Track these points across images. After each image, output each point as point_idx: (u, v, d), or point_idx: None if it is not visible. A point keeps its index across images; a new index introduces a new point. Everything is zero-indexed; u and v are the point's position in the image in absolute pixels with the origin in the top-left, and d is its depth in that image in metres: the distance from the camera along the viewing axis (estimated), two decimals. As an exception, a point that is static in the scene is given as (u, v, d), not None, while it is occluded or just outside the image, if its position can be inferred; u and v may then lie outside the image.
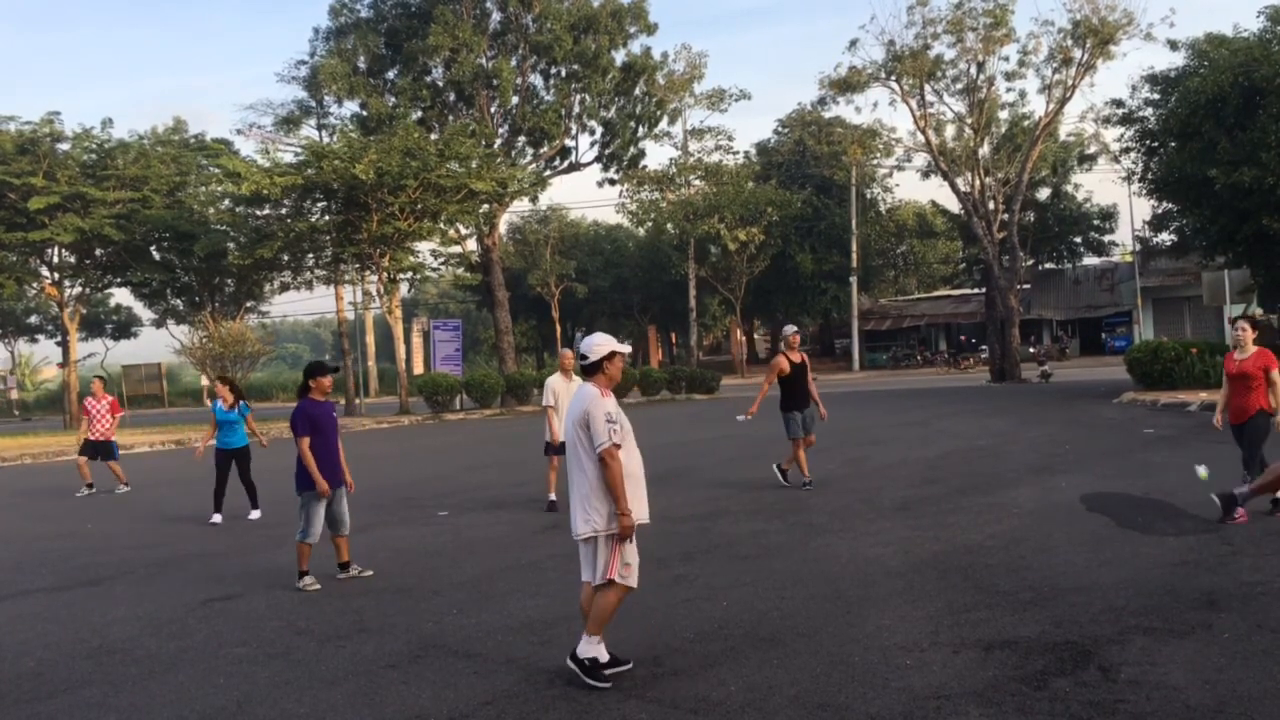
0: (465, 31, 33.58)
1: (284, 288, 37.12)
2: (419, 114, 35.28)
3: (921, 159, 40.86)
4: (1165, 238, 35.78)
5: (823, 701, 4.52)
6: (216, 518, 11.00)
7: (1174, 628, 5.31)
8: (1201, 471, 8.30)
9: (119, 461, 14.64)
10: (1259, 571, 6.32)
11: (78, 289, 35.19)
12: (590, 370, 5.03)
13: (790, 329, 11.52)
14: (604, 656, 4.96)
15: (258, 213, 31.56)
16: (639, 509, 4.90)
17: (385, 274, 31.55)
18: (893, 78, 33.02)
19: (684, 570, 7.26)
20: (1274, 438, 8.15)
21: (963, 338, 53.61)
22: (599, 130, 38.14)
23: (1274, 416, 7.99)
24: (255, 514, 11.10)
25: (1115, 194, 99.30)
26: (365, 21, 35.52)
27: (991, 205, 34.80)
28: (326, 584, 7.50)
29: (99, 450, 14.42)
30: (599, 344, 5.06)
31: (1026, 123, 37.76)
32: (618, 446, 4.80)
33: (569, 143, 37.90)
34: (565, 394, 10.47)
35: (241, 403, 11.37)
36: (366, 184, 27.36)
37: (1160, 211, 30.98)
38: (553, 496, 10.51)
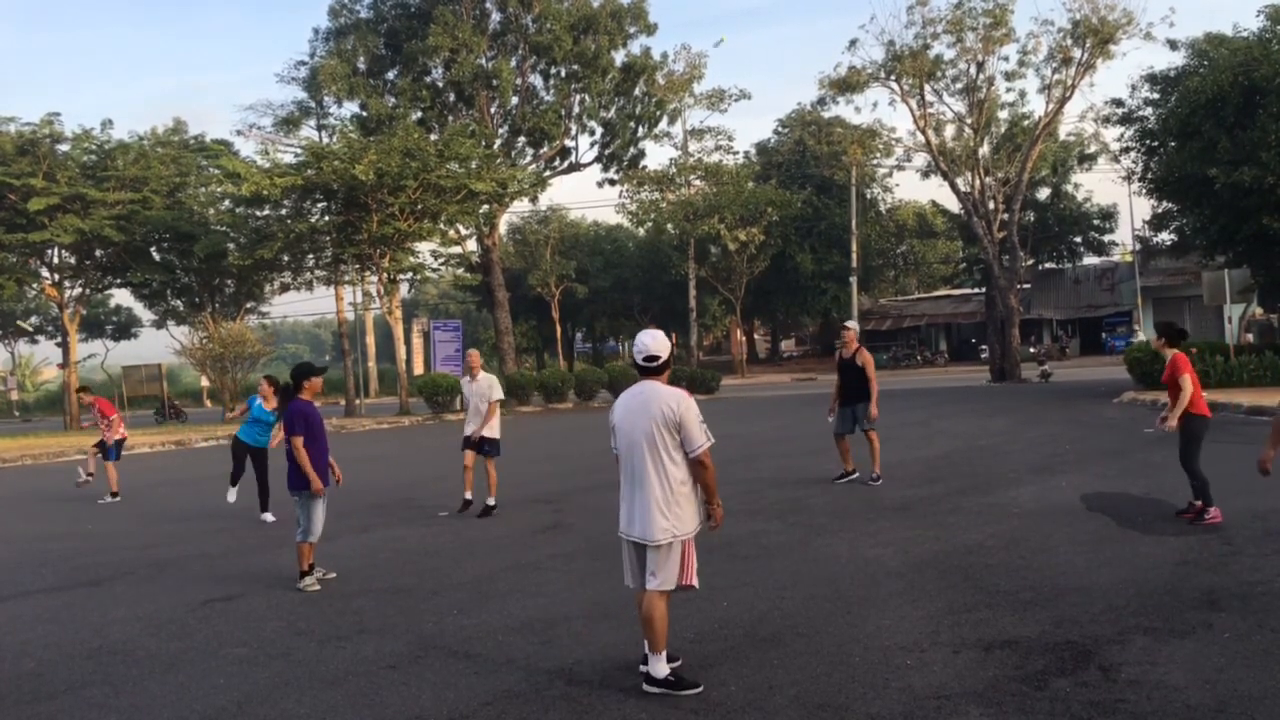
0: (465, 32, 33.60)
1: (284, 288, 37.14)
2: (419, 114, 35.29)
3: (921, 159, 40.87)
4: (1165, 237, 35.73)
5: (823, 701, 4.52)
6: (267, 517, 10.88)
7: (1174, 628, 5.31)
8: None
9: (115, 464, 14.16)
10: (1259, 571, 6.32)
11: (78, 290, 35.20)
12: (659, 370, 4.85)
13: (847, 324, 11.62)
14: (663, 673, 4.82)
15: (258, 213, 31.57)
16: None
17: (385, 274, 31.56)
18: (892, 78, 33.01)
19: (684, 570, 7.25)
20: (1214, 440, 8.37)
21: (972, 340, 53.56)
22: (599, 130, 38.19)
23: (1208, 419, 8.20)
24: (269, 517, 10.84)
25: (1115, 194, 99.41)
26: (365, 22, 35.53)
27: (991, 205, 34.78)
28: (326, 584, 7.50)
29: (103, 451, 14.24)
30: (665, 342, 4.89)
31: (1026, 123, 37.73)
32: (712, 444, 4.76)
33: (569, 143, 37.92)
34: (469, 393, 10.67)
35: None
36: (366, 184, 27.36)
37: (1160, 211, 30.94)
38: (468, 495, 10.51)
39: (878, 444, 11.15)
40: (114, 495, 13.86)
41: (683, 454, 4.71)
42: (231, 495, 11.69)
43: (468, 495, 10.52)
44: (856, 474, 11.02)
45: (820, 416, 12.07)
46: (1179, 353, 8.27)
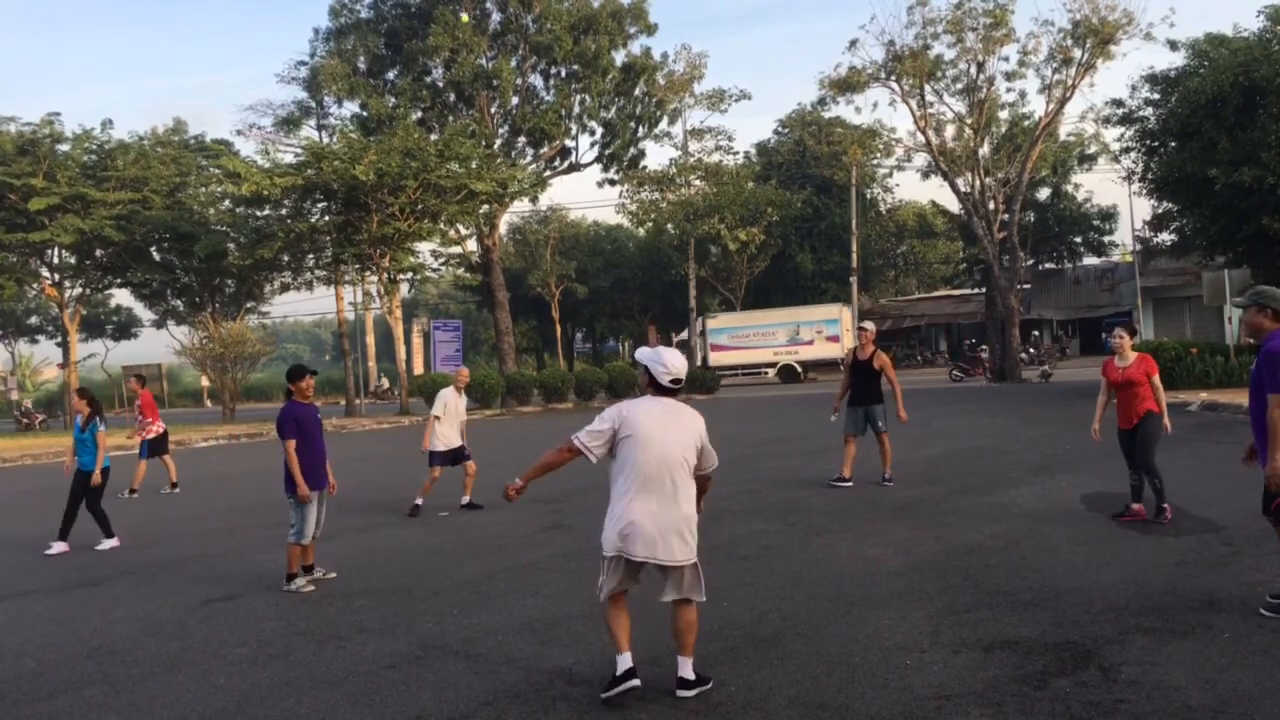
0: (465, 32, 33.60)
1: (284, 288, 37.15)
2: (419, 114, 35.32)
3: (921, 159, 40.86)
4: (1165, 238, 35.78)
5: (823, 702, 4.52)
6: (57, 547, 9.63)
7: (1174, 628, 5.31)
8: None
9: (146, 463, 14.35)
10: (1259, 571, 6.32)
11: (78, 290, 35.22)
12: (678, 389, 4.83)
13: (862, 325, 11.57)
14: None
15: (258, 213, 31.60)
16: None
17: (385, 274, 31.57)
18: (893, 78, 33.01)
19: (684, 570, 7.24)
20: (1164, 439, 8.35)
21: (972, 340, 53.55)
22: (599, 130, 38.20)
23: (1163, 418, 8.21)
24: (106, 544, 9.70)
25: (1115, 194, 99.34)
26: (365, 22, 35.55)
27: (991, 205, 34.77)
28: (325, 584, 7.50)
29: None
30: (684, 362, 4.89)
31: (1026, 123, 37.72)
32: None
33: (569, 143, 37.94)
34: (454, 410, 10.93)
35: (95, 420, 9.89)
36: (366, 184, 27.37)
37: (1160, 211, 30.98)
38: (419, 501, 10.82)
39: (890, 447, 11.07)
40: (133, 492, 13.95)
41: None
42: (56, 547, 9.65)
43: (419, 502, 10.88)
44: (851, 483, 10.86)
45: (821, 417, 12.05)
46: (1145, 353, 8.33)
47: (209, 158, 34.55)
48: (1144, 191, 27.18)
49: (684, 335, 47.32)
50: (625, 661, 4.63)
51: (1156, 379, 8.18)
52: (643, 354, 4.87)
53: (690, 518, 4.67)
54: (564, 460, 4.83)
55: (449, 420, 10.91)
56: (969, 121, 34.23)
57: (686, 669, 4.72)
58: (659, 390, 4.78)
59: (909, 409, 11.48)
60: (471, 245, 38.58)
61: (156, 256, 34.77)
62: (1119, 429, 8.40)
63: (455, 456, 10.99)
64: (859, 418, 11.03)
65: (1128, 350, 8.31)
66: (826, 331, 43.19)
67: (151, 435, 14.27)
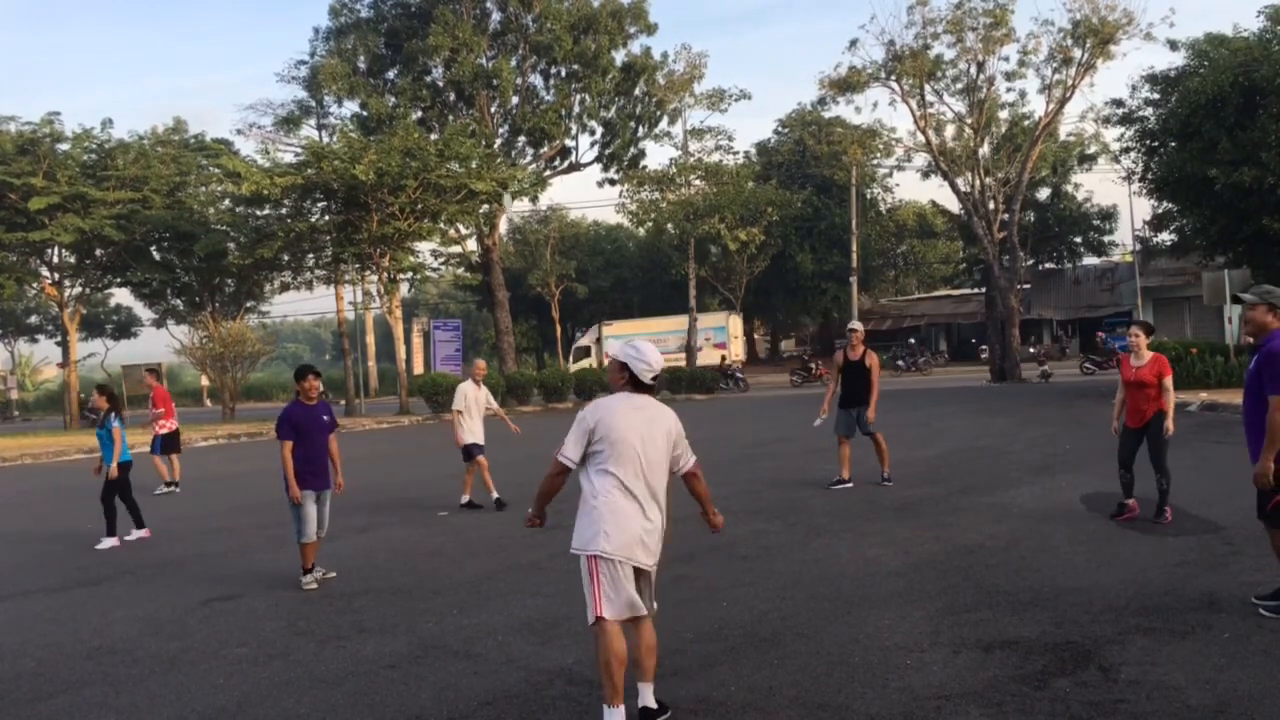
0: (465, 31, 33.62)
1: (284, 288, 37.12)
2: (419, 114, 35.33)
3: (921, 159, 40.85)
4: (1165, 238, 35.78)
5: (823, 701, 4.52)
6: (136, 534, 10.12)
7: (1174, 628, 5.31)
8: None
9: (160, 458, 14.37)
10: (1259, 571, 6.32)
11: (78, 289, 35.22)
12: (652, 386, 4.56)
13: (851, 325, 11.38)
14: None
15: (258, 213, 31.60)
16: None
17: (385, 274, 31.56)
18: (893, 78, 33.00)
19: (684, 570, 7.24)
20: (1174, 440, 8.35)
21: (972, 340, 53.54)
22: (599, 130, 38.20)
23: (1166, 419, 8.18)
24: (106, 543, 9.76)
25: (1115, 194, 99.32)
26: (365, 21, 35.56)
27: (991, 205, 34.76)
28: (326, 584, 7.50)
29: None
30: (661, 356, 4.63)
31: (1026, 123, 37.71)
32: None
33: (569, 143, 37.94)
34: (474, 402, 11.01)
35: (111, 415, 10.07)
36: (366, 184, 27.36)
37: (1160, 211, 30.96)
38: (496, 495, 10.88)
39: (885, 445, 11.00)
40: (169, 485, 14.06)
41: None
42: (105, 542, 9.80)
43: (496, 495, 10.92)
44: (851, 484, 10.81)
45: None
46: (1160, 354, 8.31)
47: (209, 157, 34.54)
48: (1144, 191, 27.19)
49: (583, 340, 49.09)
50: (619, 715, 4.11)
51: (1168, 381, 8.11)
52: (620, 349, 4.62)
53: (663, 518, 4.46)
54: (559, 485, 4.52)
55: (473, 413, 11.00)
56: (969, 121, 34.22)
57: (649, 696, 4.35)
58: (638, 387, 4.51)
59: (909, 407, 11.48)
60: (471, 245, 38.59)
61: (156, 256, 34.75)
62: (1125, 426, 8.39)
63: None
64: (850, 419, 10.93)
65: (1143, 349, 8.26)
66: (714, 339, 45.39)
67: (164, 430, 14.28)
